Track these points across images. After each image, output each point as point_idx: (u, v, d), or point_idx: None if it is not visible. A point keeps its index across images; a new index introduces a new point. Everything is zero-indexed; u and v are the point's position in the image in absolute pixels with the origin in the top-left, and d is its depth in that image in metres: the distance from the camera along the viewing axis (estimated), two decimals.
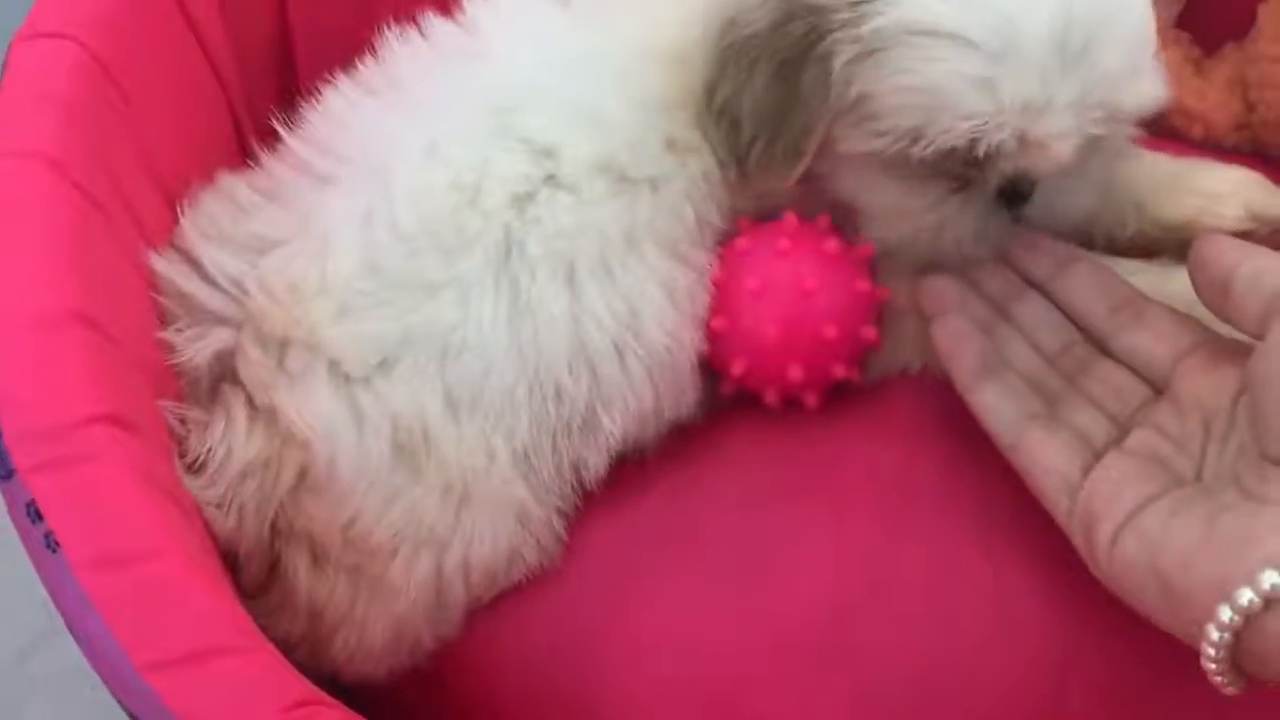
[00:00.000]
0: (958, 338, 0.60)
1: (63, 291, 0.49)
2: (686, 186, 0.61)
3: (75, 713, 0.69)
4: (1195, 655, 0.47)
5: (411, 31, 0.64)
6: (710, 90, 0.60)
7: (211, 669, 0.45)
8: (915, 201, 0.60)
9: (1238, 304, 0.50)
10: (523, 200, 0.59)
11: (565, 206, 0.59)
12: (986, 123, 0.55)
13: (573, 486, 0.61)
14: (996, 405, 0.57)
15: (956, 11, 0.54)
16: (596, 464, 0.61)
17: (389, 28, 0.64)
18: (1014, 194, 0.60)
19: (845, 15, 0.56)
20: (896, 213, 0.61)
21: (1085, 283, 0.59)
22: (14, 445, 0.47)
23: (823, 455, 0.63)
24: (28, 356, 0.48)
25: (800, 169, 0.59)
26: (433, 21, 0.65)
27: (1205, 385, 0.52)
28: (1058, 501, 0.54)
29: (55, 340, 0.48)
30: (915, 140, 0.56)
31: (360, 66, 0.64)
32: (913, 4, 0.55)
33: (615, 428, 0.60)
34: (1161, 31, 0.75)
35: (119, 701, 0.47)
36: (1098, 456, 0.53)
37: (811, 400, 0.63)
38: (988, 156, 0.57)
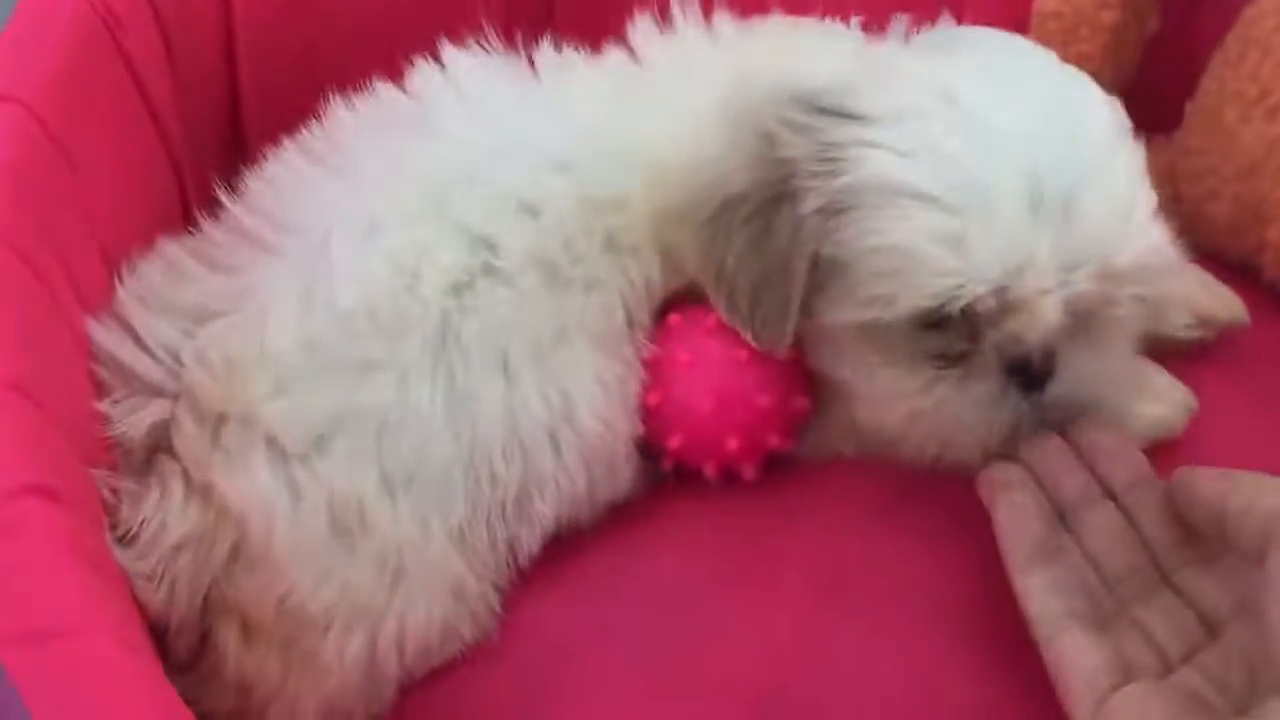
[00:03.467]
0: (1018, 515, 0.56)
1: None
2: (622, 289, 0.62)
3: None
4: None
5: (359, 99, 0.65)
6: (705, 261, 0.59)
7: None
8: (907, 381, 0.58)
9: (1234, 537, 0.49)
10: (460, 289, 0.59)
11: (501, 298, 0.60)
12: (960, 282, 0.54)
13: (508, 563, 0.61)
14: (1042, 596, 0.54)
15: (922, 168, 0.54)
16: (530, 543, 0.61)
17: (338, 94, 0.65)
18: (1029, 375, 0.57)
19: (814, 168, 0.56)
20: (885, 393, 0.59)
21: (1158, 506, 0.55)
22: None
23: (760, 540, 0.63)
24: None
25: (791, 328, 0.58)
26: (381, 90, 0.65)
27: (1253, 633, 0.49)
28: (1079, 702, 0.50)
29: None
30: (889, 304, 0.55)
31: (306, 134, 0.65)
32: (877, 162, 0.55)
33: (548, 509, 0.61)
34: None
35: None
36: (1134, 679, 0.50)
37: (749, 472, 0.63)
38: (973, 324, 0.56)
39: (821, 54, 0.63)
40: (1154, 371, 0.66)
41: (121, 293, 0.60)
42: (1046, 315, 0.55)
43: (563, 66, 0.67)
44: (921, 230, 0.54)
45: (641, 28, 0.67)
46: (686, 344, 0.62)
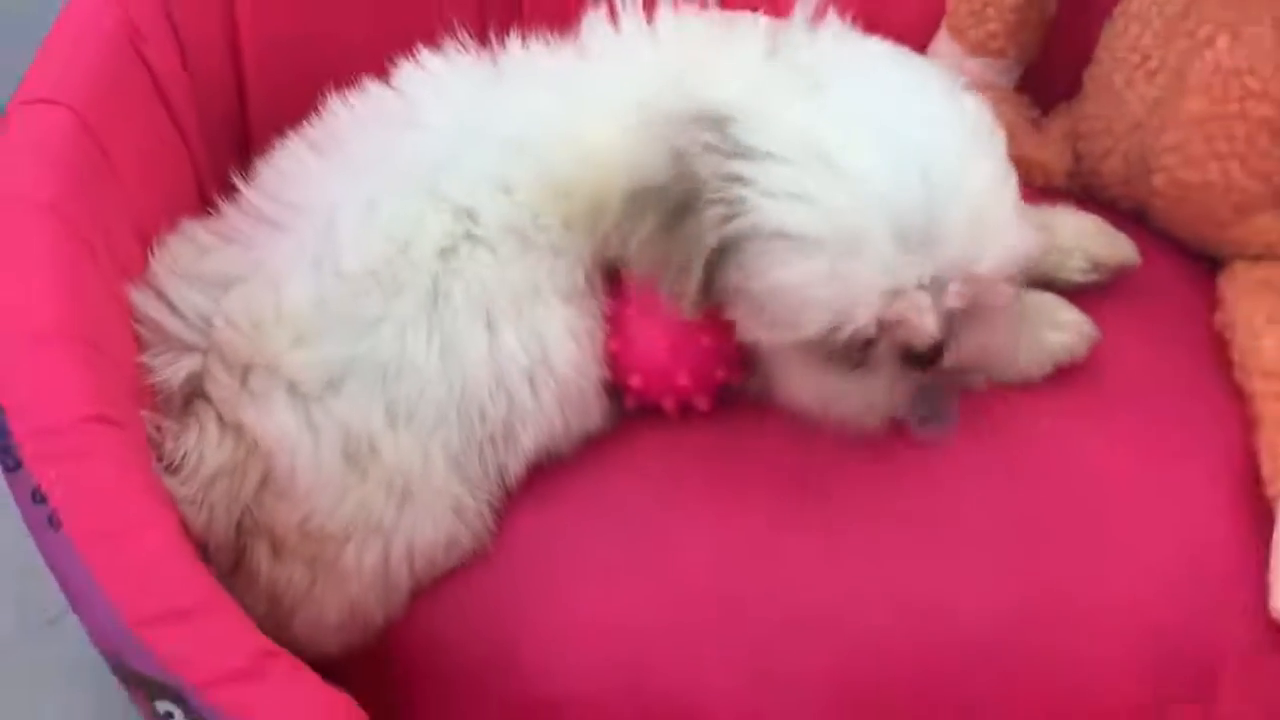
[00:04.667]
0: None
1: (59, 313, 0.58)
2: (581, 257, 0.70)
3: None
4: None
5: (353, 96, 0.74)
6: (616, 225, 0.67)
7: (194, 623, 0.53)
8: (818, 379, 0.67)
9: None
10: (447, 253, 0.68)
11: (482, 261, 0.69)
12: (844, 317, 0.62)
13: (499, 485, 0.70)
14: None
15: (799, 215, 0.62)
16: (516, 469, 0.70)
17: (333, 92, 0.74)
18: (921, 360, 0.66)
19: (712, 195, 0.63)
20: (803, 388, 0.68)
21: None
22: (22, 441, 0.55)
23: (717, 462, 0.72)
24: (31, 366, 0.56)
25: (691, 312, 0.66)
26: (372, 88, 0.75)
27: None
28: None
29: (54, 353, 0.57)
30: (789, 330, 0.65)
31: (307, 127, 0.74)
32: (764, 208, 0.63)
33: (529, 440, 0.70)
34: (1004, 95, 0.89)
35: (115, 657, 0.55)
36: None
37: (703, 404, 0.72)
38: (862, 341, 0.64)
39: (736, 58, 0.70)
40: (1059, 304, 0.76)
41: (155, 265, 0.69)
42: (926, 329, 0.64)
43: (524, 61, 0.75)
44: (806, 273, 0.62)
45: (590, 22, 0.75)
46: (638, 299, 0.71)
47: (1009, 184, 0.66)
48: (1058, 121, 0.88)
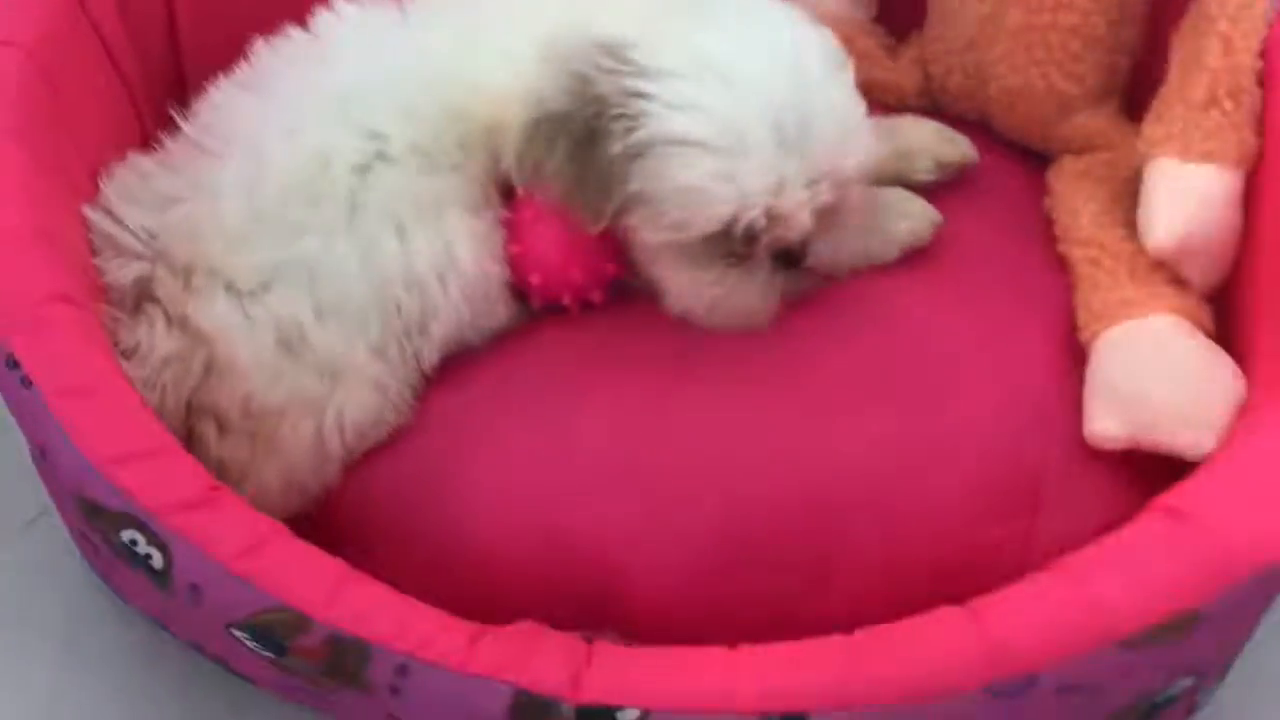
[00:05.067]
0: None
1: (24, 216, 0.68)
2: (476, 173, 0.80)
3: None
4: None
5: (276, 41, 0.84)
6: (520, 155, 0.75)
7: (153, 461, 0.63)
8: (702, 277, 0.76)
9: None
10: (363, 170, 0.78)
11: (392, 176, 0.78)
12: (736, 209, 0.72)
13: (416, 371, 0.80)
14: None
15: (696, 123, 0.71)
16: (430, 356, 0.80)
17: (258, 38, 0.84)
18: (790, 256, 0.76)
19: (616, 110, 0.72)
20: (689, 288, 0.77)
21: None
22: None
23: (613, 343, 0.82)
24: (4, 256, 0.65)
25: (600, 227, 0.76)
26: (291, 32, 0.84)
27: None
28: None
29: (20, 244, 0.66)
30: (685, 228, 0.74)
31: (236, 69, 0.84)
32: (661, 117, 0.72)
33: (440, 331, 0.79)
34: (861, 25, 0.99)
35: (82, 496, 0.64)
36: None
37: (597, 297, 0.82)
38: (748, 234, 0.74)
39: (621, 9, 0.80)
40: (906, 196, 0.87)
41: (105, 190, 0.78)
42: (803, 221, 0.74)
43: (428, 6, 0.85)
44: (702, 172, 0.72)
45: None
46: (532, 206, 0.80)
47: (860, 100, 0.77)
48: (909, 48, 0.99)
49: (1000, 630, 0.62)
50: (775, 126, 0.72)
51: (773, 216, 0.73)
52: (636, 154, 0.73)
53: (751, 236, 0.75)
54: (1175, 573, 0.62)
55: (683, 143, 0.72)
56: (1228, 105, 0.76)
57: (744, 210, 0.73)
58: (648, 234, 0.76)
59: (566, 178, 0.75)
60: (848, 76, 0.77)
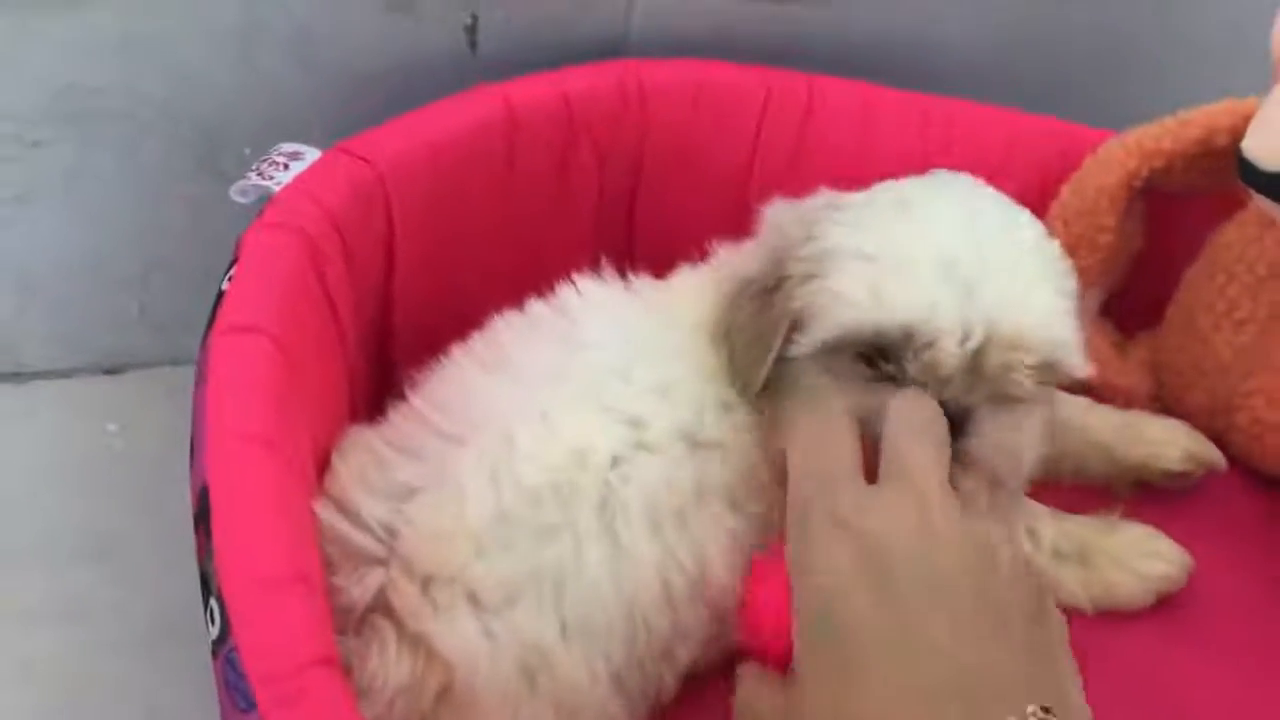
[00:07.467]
0: None
1: (287, 553, 0.61)
2: (742, 442, 0.74)
3: None
4: None
5: (515, 316, 0.79)
6: (720, 327, 0.74)
7: None
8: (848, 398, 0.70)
9: None
10: (620, 461, 0.72)
11: (652, 466, 0.72)
12: (873, 317, 0.67)
13: (652, 705, 0.73)
14: None
15: (865, 237, 0.69)
16: (671, 684, 0.74)
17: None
18: (947, 412, 0.68)
19: (800, 247, 0.71)
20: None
21: None
22: (257, 686, 0.58)
23: None
24: (264, 612, 0.59)
25: (764, 373, 0.71)
26: (532, 307, 0.79)
27: None
28: None
29: (284, 596, 0.60)
30: (823, 333, 0.69)
31: (472, 343, 0.79)
32: (836, 234, 0.70)
33: (687, 655, 0.73)
34: (1088, 320, 0.95)
35: None
36: None
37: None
38: (896, 360, 0.68)
39: None
40: (1151, 534, 0.82)
41: (340, 474, 0.72)
42: (950, 354, 0.67)
43: (655, 287, 0.82)
44: (853, 278, 0.69)
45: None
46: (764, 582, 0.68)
47: (1066, 290, 0.71)
48: (1140, 349, 0.95)
49: None
50: (947, 261, 0.68)
51: (917, 345, 0.67)
52: (809, 274, 0.71)
53: (898, 362, 0.68)
54: None
55: (848, 254, 0.70)
56: None
57: (880, 321, 0.67)
58: (798, 350, 0.70)
59: (743, 336, 0.72)
60: (1059, 268, 0.72)
